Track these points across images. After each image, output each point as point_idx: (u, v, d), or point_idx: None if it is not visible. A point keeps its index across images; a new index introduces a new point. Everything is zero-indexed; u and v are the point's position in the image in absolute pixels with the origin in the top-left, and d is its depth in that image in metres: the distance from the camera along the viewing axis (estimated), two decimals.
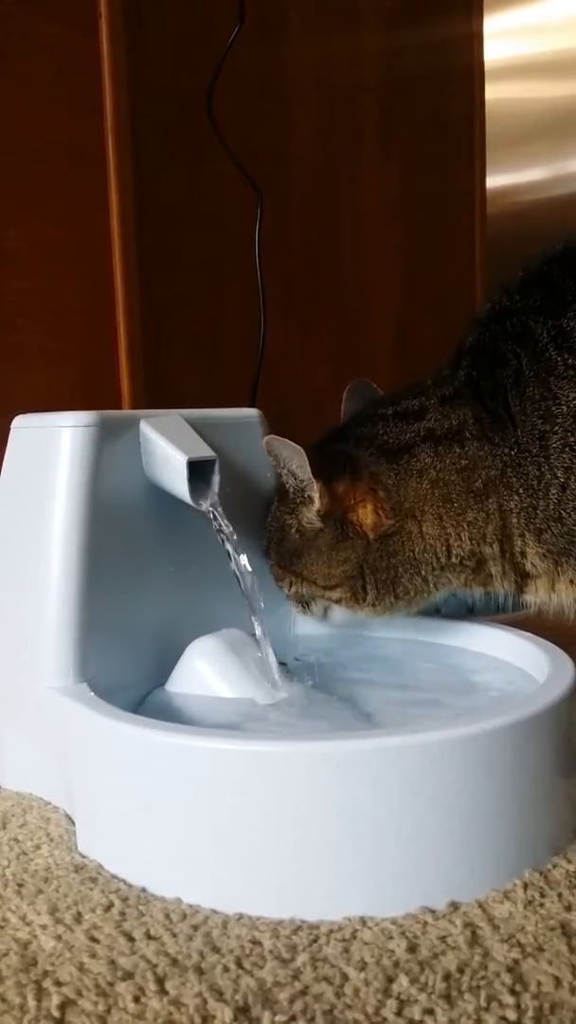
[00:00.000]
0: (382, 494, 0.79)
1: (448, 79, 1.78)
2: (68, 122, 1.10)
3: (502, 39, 2.31)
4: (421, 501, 0.78)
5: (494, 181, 1.96)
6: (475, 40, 1.82)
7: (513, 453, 0.74)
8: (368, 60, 1.59)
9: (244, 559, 0.77)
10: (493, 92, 1.88)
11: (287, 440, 0.79)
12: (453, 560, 0.78)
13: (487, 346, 0.78)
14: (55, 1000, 0.49)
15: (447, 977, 0.49)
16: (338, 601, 0.83)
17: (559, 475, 0.73)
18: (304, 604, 0.86)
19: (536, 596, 0.79)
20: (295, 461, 0.79)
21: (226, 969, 0.51)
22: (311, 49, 1.47)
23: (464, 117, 1.81)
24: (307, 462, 0.79)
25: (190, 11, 1.27)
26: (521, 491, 0.74)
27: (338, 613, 0.85)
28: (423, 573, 0.79)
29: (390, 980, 0.49)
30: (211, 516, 0.77)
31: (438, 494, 0.77)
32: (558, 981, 0.49)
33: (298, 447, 0.78)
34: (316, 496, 0.80)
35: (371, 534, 0.79)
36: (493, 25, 2.01)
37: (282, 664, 0.77)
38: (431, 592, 0.80)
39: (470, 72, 1.82)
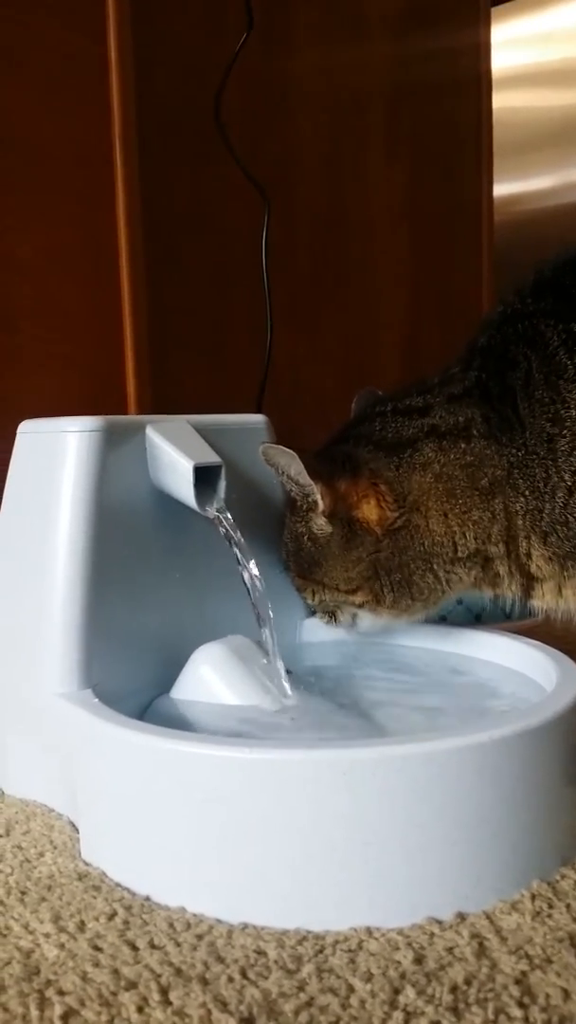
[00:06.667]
0: (383, 487, 0.78)
1: (455, 87, 1.78)
2: (76, 127, 1.10)
3: (509, 48, 2.32)
4: (425, 495, 0.77)
5: (501, 189, 1.97)
6: (482, 48, 1.82)
7: (520, 455, 0.74)
8: (375, 67, 1.60)
9: (252, 564, 0.77)
10: (500, 100, 1.89)
11: (281, 446, 0.78)
12: (460, 555, 0.78)
13: (497, 348, 0.78)
14: (58, 1010, 0.48)
15: (454, 989, 0.49)
16: (361, 606, 0.82)
17: (566, 478, 0.72)
18: (331, 615, 0.86)
19: (543, 601, 0.78)
20: (292, 467, 0.79)
21: (231, 979, 0.50)
22: (319, 56, 1.47)
23: (471, 125, 1.81)
24: (303, 466, 0.78)
25: (198, 17, 1.27)
26: (527, 493, 0.74)
27: (365, 621, 0.85)
28: (434, 568, 0.78)
29: (396, 992, 0.49)
30: (218, 522, 0.77)
31: (442, 488, 0.77)
32: (567, 994, 0.48)
33: (291, 452, 0.78)
34: (319, 498, 0.80)
35: (378, 529, 0.79)
36: (500, 34, 2.02)
37: (288, 671, 0.77)
38: (444, 591, 0.80)
39: (477, 80, 1.82)
